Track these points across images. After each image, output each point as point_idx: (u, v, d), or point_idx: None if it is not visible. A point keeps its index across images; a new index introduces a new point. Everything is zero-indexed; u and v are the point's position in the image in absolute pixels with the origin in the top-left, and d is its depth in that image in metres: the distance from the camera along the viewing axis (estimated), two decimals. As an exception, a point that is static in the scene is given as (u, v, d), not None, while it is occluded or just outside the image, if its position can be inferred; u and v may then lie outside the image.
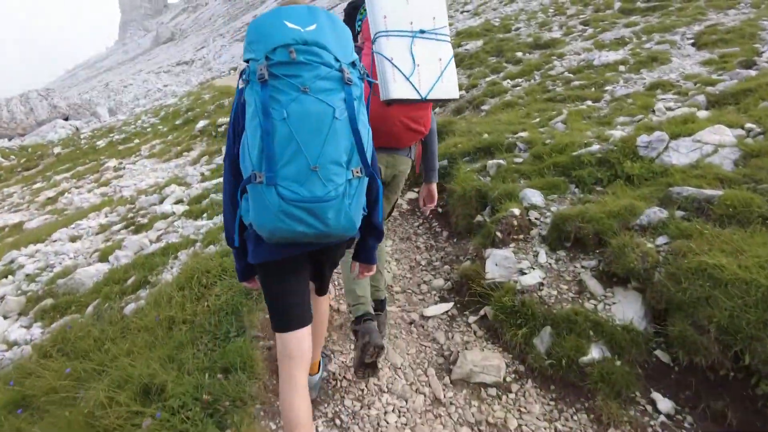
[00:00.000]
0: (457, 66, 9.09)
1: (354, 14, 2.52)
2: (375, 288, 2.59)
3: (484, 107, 6.16)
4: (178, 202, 5.68)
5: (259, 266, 1.55)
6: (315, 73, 1.30)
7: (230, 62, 43.93)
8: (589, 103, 5.10)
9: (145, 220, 5.26)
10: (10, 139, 26.92)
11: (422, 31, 1.99)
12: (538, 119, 4.87)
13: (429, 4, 2.05)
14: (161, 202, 5.86)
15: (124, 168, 9.92)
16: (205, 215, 4.83)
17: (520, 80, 6.80)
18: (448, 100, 2.14)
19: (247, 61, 1.37)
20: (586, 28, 8.67)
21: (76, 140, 15.81)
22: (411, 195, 4.74)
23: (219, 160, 7.64)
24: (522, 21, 10.53)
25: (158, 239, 4.61)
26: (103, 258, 4.49)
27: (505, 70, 7.66)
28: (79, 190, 9.33)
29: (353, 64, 1.44)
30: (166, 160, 9.24)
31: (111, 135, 14.99)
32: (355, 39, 2.33)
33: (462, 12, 15.10)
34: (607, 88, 5.35)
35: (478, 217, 3.63)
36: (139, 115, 17.32)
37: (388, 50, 1.93)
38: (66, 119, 29.78)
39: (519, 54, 8.20)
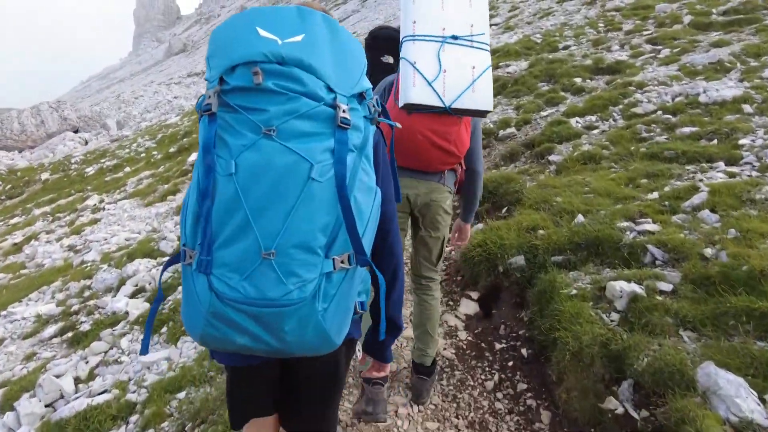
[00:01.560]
0: (500, 93, 7.54)
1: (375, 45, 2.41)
2: (421, 352, 2.27)
3: (553, 158, 4.58)
4: (139, 292, 4.17)
5: (225, 368, 1.19)
6: (289, 106, 0.86)
7: (240, 74, 42.93)
8: (723, 167, 3.50)
9: (89, 326, 3.75)
10: (20, 152, 26.43)
11: (455, 37, 1.79)
12: (655, 194, 3.27)
13: (468, 10, 1.82)
14: (119, 288, 4.36)
15: (103, 209, 8.52)
16: (164, 330, 3.31)
17: (592, 118, 5.22)
18: (481, 113, 1.84)
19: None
20: (658, 47, 7.08)
21: (67, 165, 14.55)
22: (466, 308, 3.17)
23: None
24: (569, 38, 8.97)
25: (90, 375, 3.09)
26: (6, 403, 2.99)
27: (566, 103, 6.08)
28: (49, 236, 7.93)
29: (360, 97, 0.97)
30: (148, 203, 7.80)
31: (103, 160, 13.70)
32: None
33: (490, 26, 13.59)
34: (743, 141, 3.74)
35: (612, 403, 2.05)
36: (135, 137, 16.05)
37: (412, 54, 1.76)
38: (76, 131, 30.40)
39: (578, 80, 6.63)
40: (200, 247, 0.87)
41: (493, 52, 9.20)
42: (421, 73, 1.74)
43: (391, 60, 2.44)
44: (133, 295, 4.11)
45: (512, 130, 5.78)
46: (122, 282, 4.45)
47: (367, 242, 0.98)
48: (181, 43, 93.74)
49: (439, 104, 1.74)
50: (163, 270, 1.01)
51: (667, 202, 3.11)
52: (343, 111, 0.90)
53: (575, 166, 4.27)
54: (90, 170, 12.93)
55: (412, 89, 1.74)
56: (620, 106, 5.25)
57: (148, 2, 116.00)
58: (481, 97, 1.79)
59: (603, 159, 4.24)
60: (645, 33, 7.88)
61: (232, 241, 0.86)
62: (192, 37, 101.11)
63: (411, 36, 1.79)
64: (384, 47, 2.45)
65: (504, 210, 4.12)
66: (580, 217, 3.18)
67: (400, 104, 1.79)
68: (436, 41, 1.79)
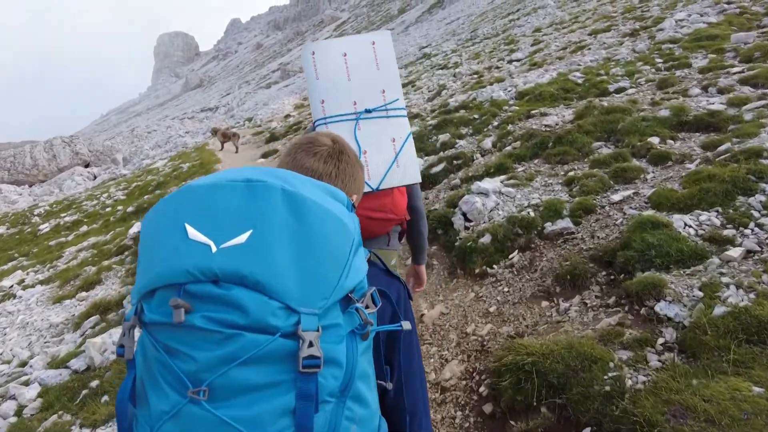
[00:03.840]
0: (537, 155, 5.38)
1: None
2: None
3: (664, 310, 2.41)
4: None
5: None
6: (226, 351, 0.58)
7: (253, 109, 42.26)
8: None
9: None
10: (30, 186, 26.23)
11: (368, 111, 1.71)
12: None
13: (377, 76, 1.74)
14: None
15: (13, 296, 6.56)
16: None
17: (711, 218, 3.07)
18: (410, 186, 1.82)
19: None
20: (762, 90, 4.98)
21: (28, 217, 12.85)
22: None
23: (116, 334, 4.05)
24: (621, 77, 6.94)
25: None
26: None
27: (647, 178, 3.96)
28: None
29: (346, 302, 0.67)
30: (59, 298, 5.80)
31: (64, 215, 11.94)
32: None
33: (510, 62, 11.73)
34: None
35: None
36: (108, 186, 14.37)
37: None
38: (87, 166, 29.42)
39: (654, 140, 4.53)
40: None
41: (522, 96, 7.21)
42: None
43: None
44: None
45: (566, 223, 3.66)
46: None
47: None
48: (197, 79, 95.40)
49: (367, 189, 1.68)
50: None
51: None
52: (310, 343, 0.58)
53: (725, 344, 2.09)
54: (45, 227, 11.15)
55: None
56: (761, 197, 3.09)
57: (168, 39, 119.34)
58: (408, 172, 1.74)
59: (785, 331, 2.06)
60: (733, 71, 5.80)
61: None
62: (209, 73, 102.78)
63: (323, 119, 1.69)
64: None
65: (586, 441, 1.94)
66: None
67: None
68: (350, 120, 1.71)
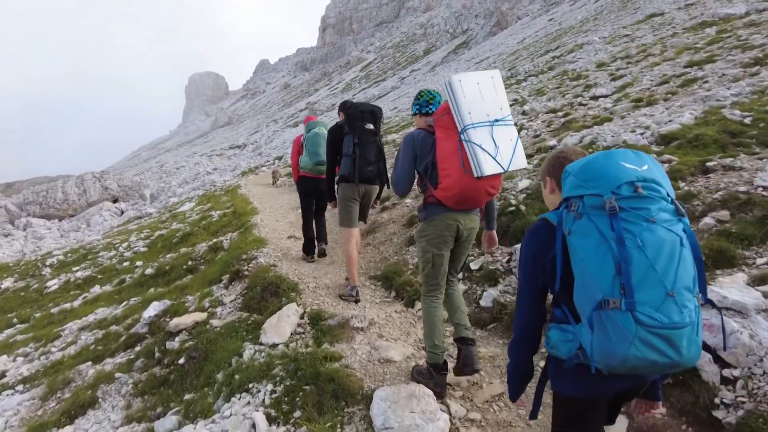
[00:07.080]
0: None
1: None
2: (463, 327, 2.92)
3: None
4: None
5: (571, 401, 1.59)
6: (658, 206, 1.38)
7: (281, 147, 41.65)
8: None
9: None
10: (60, 220, 26.81)
11: (497, 120, 2.59)
12: None
13: (496, 98, 2.64)
14: None
15: (-15, 403, 4.84)
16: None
17: None
18: (522, 169, 3.33)
19: (575, 197, 1.47)
20: None
21: (38, 268, 11.42)
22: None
23: None
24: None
25: None
26: None
27: None
28: None
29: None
30: (38, 426, 4.03)
31: (76, 268, 10.44)
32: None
33: (595, 98, 10.02)
34: None
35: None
36: (129, 233, 12.95)
37: (476, 138, 2.53)
38: (115, 201, 29.74)
39: None
40: (625, 294, 1.31)
41: (668, 140, 5.40)
42: (488, 152, 2.51)
43: (371, 126, 4.25)
44: None
45: None
46: None
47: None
48: (226, 116, 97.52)
49: (501, 170, 2.56)
50: (590, 315, 1.40)
51: None
52: (679, 206, 1.42)
53: None
54: (53, 284, 9.64)
55: (486, 164, 2.50)
56: None
57: (199, 79, 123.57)
58: (521, 159, 2.64)
59: None
60: None
61: (646, 288, 1.31)
62: (237, 111, 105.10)
63: (471, 124, 2.53)
64: (361, 116, 4.24)
65: None
66: None
67: (476, 175, 2.53)
68: (486, 126, 2.55)
